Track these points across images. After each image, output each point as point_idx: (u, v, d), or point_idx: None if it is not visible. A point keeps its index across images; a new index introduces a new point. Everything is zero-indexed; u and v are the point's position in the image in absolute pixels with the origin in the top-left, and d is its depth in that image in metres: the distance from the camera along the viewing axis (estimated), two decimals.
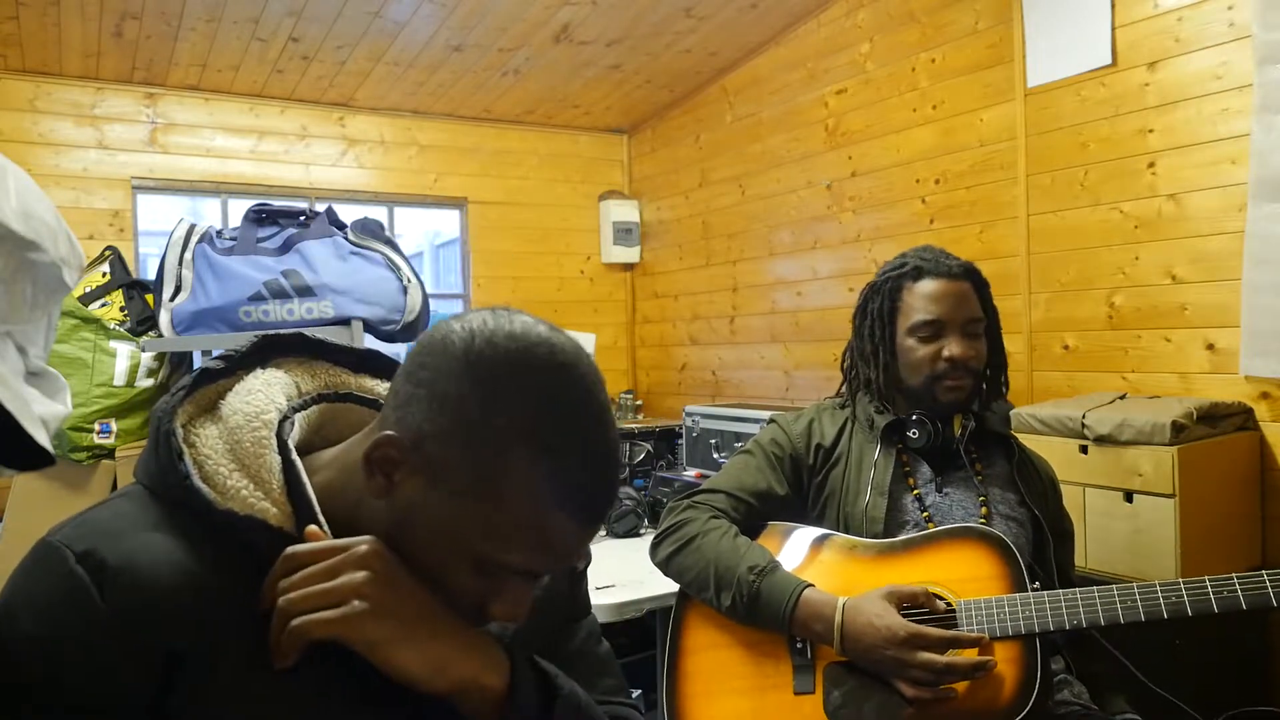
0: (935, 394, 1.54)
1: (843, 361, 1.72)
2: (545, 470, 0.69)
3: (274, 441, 0.76)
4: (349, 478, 0.76)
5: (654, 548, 1.57)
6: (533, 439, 0.69)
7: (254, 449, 0.74)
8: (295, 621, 0.69)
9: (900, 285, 1.57)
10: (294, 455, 0.76)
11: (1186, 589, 1.25)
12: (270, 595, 0.71)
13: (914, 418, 1.56)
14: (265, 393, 0.79)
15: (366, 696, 0.74)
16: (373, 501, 0.73)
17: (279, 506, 0.73)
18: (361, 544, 0.72)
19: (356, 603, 0.69)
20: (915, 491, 1.55)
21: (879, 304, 1.59)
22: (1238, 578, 1.24)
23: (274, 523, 0.72)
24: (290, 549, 0.72)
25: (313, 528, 0.73)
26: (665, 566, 1.55)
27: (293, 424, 0.80)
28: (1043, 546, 1.52)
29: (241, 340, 0.85)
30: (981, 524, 1.50)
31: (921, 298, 1.54)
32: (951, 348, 1.51)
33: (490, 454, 0.69)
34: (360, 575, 0.70)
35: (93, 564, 0.67)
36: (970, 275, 1.58)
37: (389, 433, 0.71)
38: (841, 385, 1.73)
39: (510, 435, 0.69)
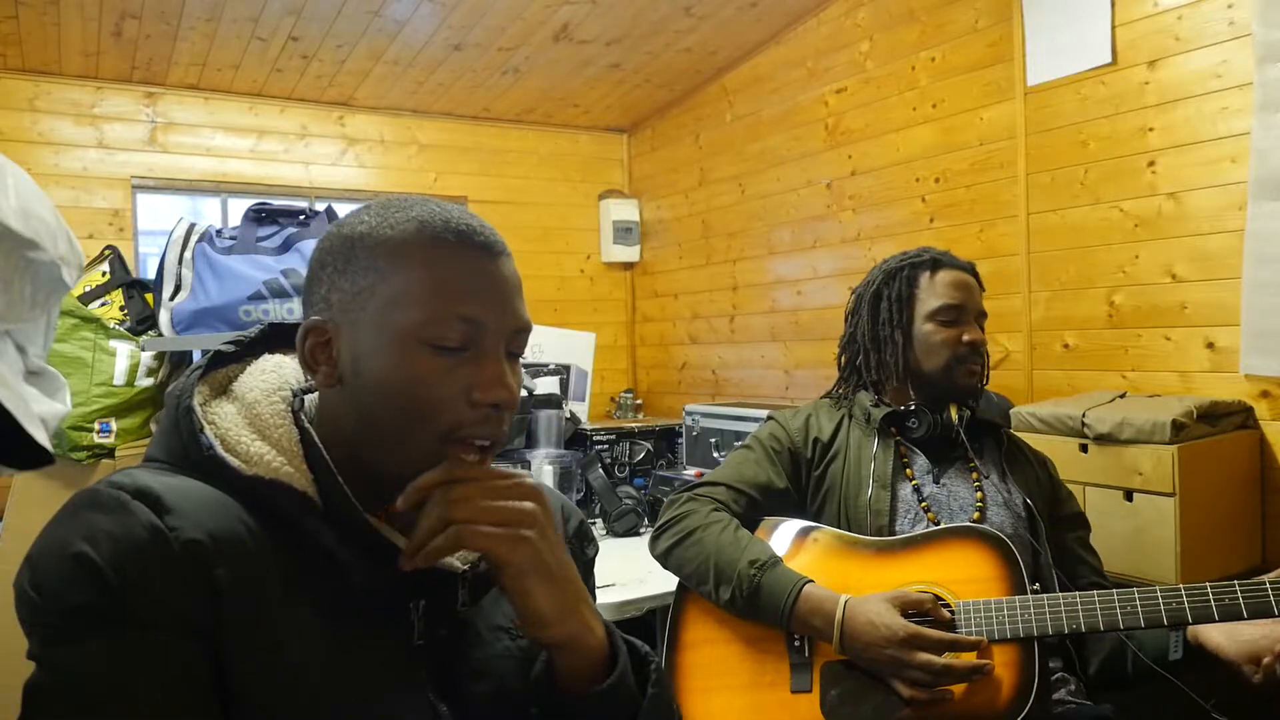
0: (954, 377, 1.57)
1: (840, 357, 1.72)
2: (410, 232, 0.76)
3: (291, 415, 0.79)
4: (328, 419, 0.80)
5: (654, 540, 1.58)
6: (389, 225, 0.77)
7: (274, 420, 0.77)
8: (463, 527, 0.71)
9: (918, 274, 1.62)
10: (308, 425, 0.79)
11: (1187, 595, 1.25)
12: (416, 495, 0.73)
13: (912, 408, 1.57)
14: (278, 373, 0.83)
15: (403, 651, 0.76)
16: (339, 402, 0.77)
17: (301, 473, 0.75)
18: (530, 478, 0.76)
19: (524, 530, 0.73)
20: (913, 483, 1.55)
21: (896, 289, 1.61)
22: (1239, 585, 1.23)
23: (299, 487, 0.74)
24: (451, 461, 0.75)
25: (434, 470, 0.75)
26: (665, 559, 1.56)
27: (303, 402, 0.83)
28: (1036, 531, 1.53)
29: (244, 334, 0.87)
30: (978, 514, 1.51)
31: (944, 285, 1.60)
32: (971, 332, 1.58)
33: (366, 257, 0.76)
34: (531, 505, 0.74)
35: (150, 499, 0.69)
36: (975, 273, 1.66)
37: (310, 322, 0.77)
38: (837, 385, 1.73)
39: (372, 234, 0.77)
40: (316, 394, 0.86)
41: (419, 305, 0.74)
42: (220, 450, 0.74)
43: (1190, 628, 1.32)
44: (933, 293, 1.59)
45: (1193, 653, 1.32)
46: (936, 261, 1.62)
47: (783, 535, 1.55)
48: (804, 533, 1.54)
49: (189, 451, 0.75)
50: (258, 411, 0.78)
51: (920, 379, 1.59)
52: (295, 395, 0.82)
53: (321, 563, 0.74)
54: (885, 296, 1.63)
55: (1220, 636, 1.29)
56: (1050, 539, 1.54)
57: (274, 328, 0.88)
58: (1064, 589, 1.47)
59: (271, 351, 0.87)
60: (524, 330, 0.79)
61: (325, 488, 0.76)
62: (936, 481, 1.57)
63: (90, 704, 0.65)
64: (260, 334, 0.87)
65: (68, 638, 0.66)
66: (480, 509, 0.72)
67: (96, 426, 2.10)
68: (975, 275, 1.65)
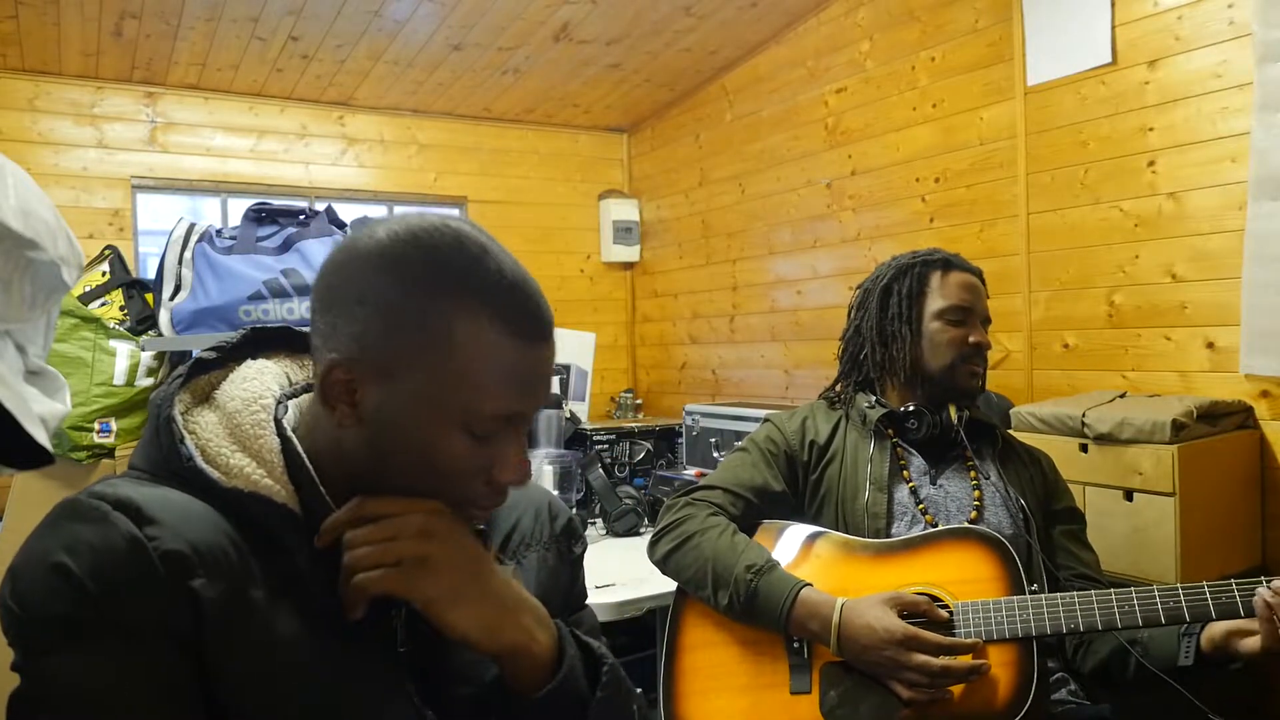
0: (957, 378, 1.58)
1: (843, 352, 1.72)
2: (475, 310, 0.73)
3: (272, 424, 0.78)
4: (324, 435, 0.78)
5: (652, 545, 1.57)
6: (451, 288, 0.73)
7: (254, 430, 0.76)
8: (358, 577, 0.72)
9: (928, 272, 1.62)
10: (290, 434, 0.78)
11: (1184, 594, 1.25)
12: (329, 533, 0.74)
13: (911, 410, 1.57)
14: (259, 380, 0.81)
15: (387, 657, 0.76)
16: (350, 437, 0.76)
17: (281, 485, 0.75)
18: (426, 505, 0.75)
19: (415, 562, 0.73)
20: (910, 485, 1.55)
21: (907, 285, 1.62)
22: (1236, 583, 1.23)
23: (278, 500, 0.74)
24: (361, 498, 0.75)
25: (366, 496, 0.75)
26: (663, 564, 1.55)
27: (287, 409, 0.82)
28: (1031, 530, 1.52)
29: (227, 339, 0.86)
30: (975, 514, 1.52)
31: (954, 286, 1.61)
32: (976, 334, 1.59)
33: (423, 320, 0.73)
34: (420, 536, 0.74)
35: (130, 510, 0.68)
36: (983, 278, 1.67)
37: (330, 358, 0.74)
38: (835, 382, 1.73)
39: (433, 295, 0.73)
40: (300, 400, 0.86)
41: (470, 396, 0.73)
42: (200, 462, 0.74)
43: (1209, 636, 1.29)
44: (943, 293, 1.60)
45: (1205, 659, 1.30)
46: (948, 262, 1.63)
47: (782, 538, 1.55)
48: (803, 535, 1.54)
49: (169, 462, 0.75)
50: (238, 421, 0.77)
51: (923, 377, 1.59)
52: (278, 402, 0.81)
53: (303, 573, 0.74)
54: (895, 292, 1.62)
55: (1252, 640, 1.23)
56: (1041, 535, 1.54)
57: (256, 332, 0.87)
58: (1050, 583, 1.47)
59: (254, 356, 0.86)
60: None
61: (307, 497, 0.76)
62: (934, 483, 1.56)
63: (73, 713, 0.65)
64: (243, 339, 0.86)
65: (49, 648, 0.66)
66: (373, 554, 0.73)
67: (96, 426, 2.10)
68: (982, 280, 1.66)
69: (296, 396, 0.85)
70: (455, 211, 4.24)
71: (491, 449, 0.76)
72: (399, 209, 4.11)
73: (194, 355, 0.83)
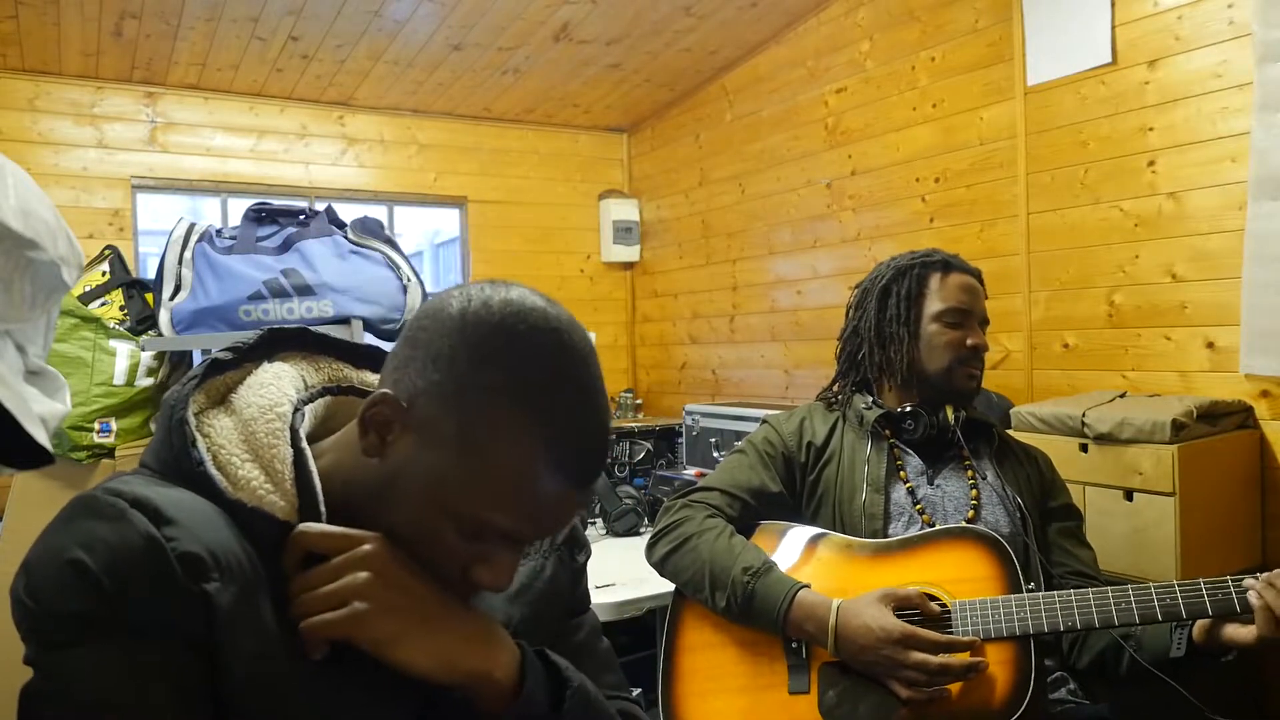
0: (954, 379, 1.57)
1: (841, 352, 1.72)
2: (531, 429, 0.71)
3: (287, 434, 0.77)
4: (347, 455, 0.78)
5: (650, 547, 1.58)
6: (520, 398, 0.71)
7: (268, 440, 0.76)
8: (304, 623, 0.71)
9: (927, 274, 1.62)
10: (304, 446, 0.77)
11: (1181, 591, 1.25)
12: (288, 568, 0.73)
13: (908, 410, 1.57)
14: (277, 385, 0.80)
15: (386, 673, 0.75)
16: (365, 463, 0.75)
17: (287, 499, 0.74)
18: (365, 542, 0.74)
19: (358, 604, 0.71)
20: (908, 485, 1.55)
21: (906, 286, 1.61)
22: (1232, 580, 1.23)
23: (281, 516, 0.74)
24: (299, 529, 0.73)
25: (304, 525, 0.74)
26: (661, 566, 1.55)
27: (303, 416, 0.81)
28: (1028, 529, 1.53)
29: (242, 339, 0.85)
30: (972, 513, 1.52)
31: (953, 288, 1.60)
32: (975, 337, 1.58)
33: (478, 410, 0.71)
34: (362, 576, 0.72)
35: (149, 510, 0.68)
36: (981, 279, 1.66)
37: (384, 391, 0.73)
38: (833, 383, 1.73)
39: (499, 393, 0.71)
40: (316, 405, 0.85)
41: (484, 505, 0.71)
42: (210, 468, 0.73)
43: (1201, 626, 1.29)
44: (941, 294, 1.59)
45: (1198, 650, 1.30)
46: (947, 264, 1.62)
47: (779, 539, 1.55)
48: (800, 536, 1.54)
49: (180, 464, 0.74)
50: (253, 429, 0.76)
51: (921, 378, 1.59)
52: (295, 409, 0.80)
53: None
54: (894, 293, 1.62)
55: (1247, 630, 1.23)
56: (1038, 533, 1.54)
57: (273, 333, 0.86)
58: (1046, 582, 1.47)
59: (270, 358, 0.85)
60: None
61: (310, 513, 0.75)
62: (931, 483, 1.56)
63: (84, 709, 0.65)
64: (259, 340, 0.85)
65: (63, 643, 0.66)
66: (317, 599, 0.72)
67: (96, 426, 2.10)
68: (981, 281, 1.65)
69: (313, 400, 0.84)
70: (455, 212, 4.25)
71: (480, 548, 0.74)
72: (399, 208, 4.12)
73: (211, 355, 0.82)
